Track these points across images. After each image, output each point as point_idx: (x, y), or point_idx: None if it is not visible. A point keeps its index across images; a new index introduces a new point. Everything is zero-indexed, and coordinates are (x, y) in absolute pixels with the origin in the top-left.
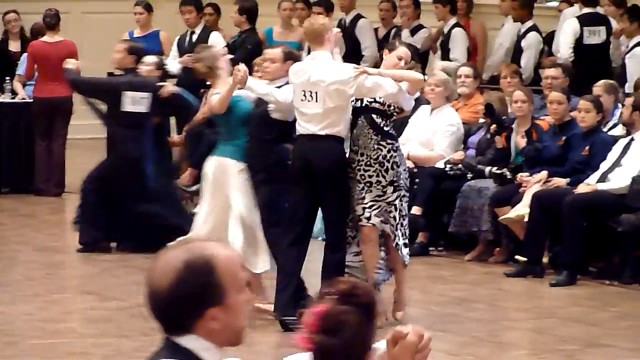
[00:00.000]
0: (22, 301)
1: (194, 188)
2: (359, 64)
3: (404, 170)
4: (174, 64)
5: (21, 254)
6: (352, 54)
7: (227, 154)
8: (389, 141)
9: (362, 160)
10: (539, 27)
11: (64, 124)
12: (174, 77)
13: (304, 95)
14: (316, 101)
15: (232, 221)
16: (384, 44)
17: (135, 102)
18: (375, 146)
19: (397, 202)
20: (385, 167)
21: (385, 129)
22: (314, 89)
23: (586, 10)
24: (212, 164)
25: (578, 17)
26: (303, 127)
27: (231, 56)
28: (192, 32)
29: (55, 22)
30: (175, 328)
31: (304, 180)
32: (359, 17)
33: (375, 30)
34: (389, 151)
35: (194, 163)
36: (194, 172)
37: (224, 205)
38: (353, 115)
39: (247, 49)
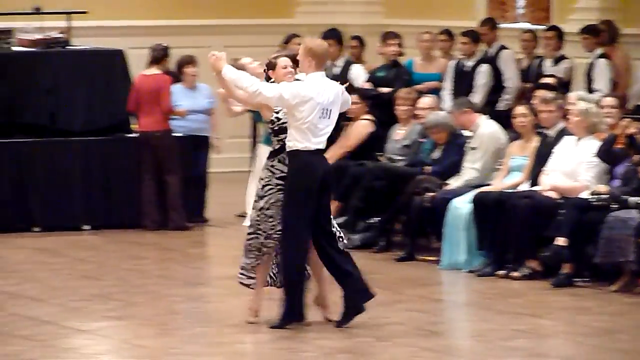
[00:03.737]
0: (166, 335)
1: (338, 221)
2: (500, 95)
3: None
4: None
5: (164, 288)
6: (495, 85)
7: None
8: None
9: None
10: None
11: (168, 158)
12: None
13: (323, 113)
14: (329, 118)
15: None
16: (527, 75)
17: None
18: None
19: None
20: None
21: None
22: (330, 107)
23: None
24: None
25: None
26: (320, 142)
27: (387, 89)
28: (334, 65)
29: (161, 57)
30: None
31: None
32: (502, 48)
33: (518, 61)
34: None
35: (339, 196)
36: (339, 206)
37: None
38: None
39: (405, 80)
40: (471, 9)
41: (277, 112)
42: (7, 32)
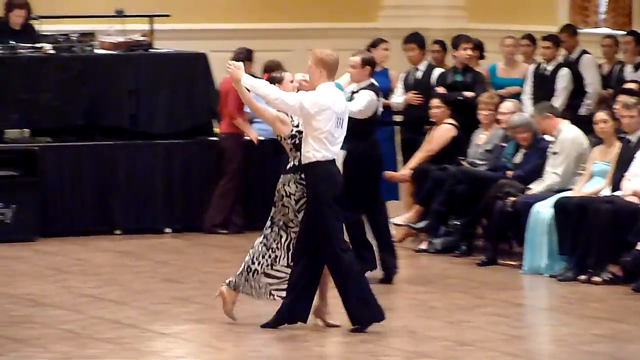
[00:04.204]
0: (246, 338)
1: (420, 225)
2: (582, 100)
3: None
4: (399, 100)
5: None
6: (575, 89)
7: None
8: None
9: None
10: None
11: (225, 161)
12: (399, 114)
13: (337, 122)
14: (342, 127)
15: None
16: (608, 80)
17: None
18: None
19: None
20: None
21: None
22: (343, 116)
23: None
24: None
25: None
26: (336, 152)
27: (471, 94)
28: (417, 69)
29: (242, 60)
30: None
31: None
32: (583, 52)
33: (599, 66)
34: None
35: (420, 200)
36: (420, 210)
37: None
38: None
39: (484, 86)
40: (553, 14)
41: (296, 126)
42: (90, 35)
